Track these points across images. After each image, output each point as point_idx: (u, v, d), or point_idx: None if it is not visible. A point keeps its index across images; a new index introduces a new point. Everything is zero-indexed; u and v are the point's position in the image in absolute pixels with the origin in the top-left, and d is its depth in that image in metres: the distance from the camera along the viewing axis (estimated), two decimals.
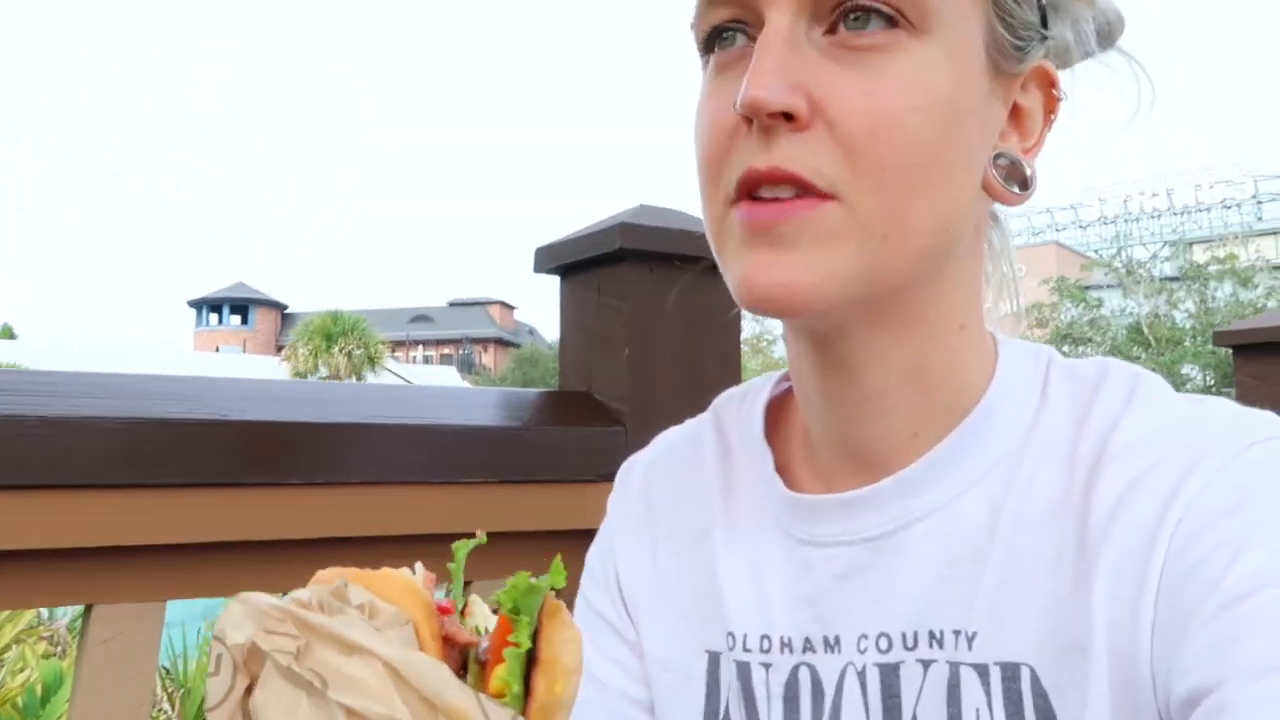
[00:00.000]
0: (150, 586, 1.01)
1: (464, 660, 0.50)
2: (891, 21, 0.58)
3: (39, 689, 4.21)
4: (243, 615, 0.46)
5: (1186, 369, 25.46)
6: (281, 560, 1.07)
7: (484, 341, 60.87)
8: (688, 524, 0.77)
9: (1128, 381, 0.64)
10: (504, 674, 0.47)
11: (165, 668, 5.50)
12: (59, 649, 5.39)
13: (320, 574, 0.50)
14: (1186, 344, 25.68)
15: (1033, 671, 0.59)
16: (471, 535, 1.21)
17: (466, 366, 53.80)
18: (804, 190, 0.58)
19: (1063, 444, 0.63)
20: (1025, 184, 0.64)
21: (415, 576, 0.51)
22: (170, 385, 1.06)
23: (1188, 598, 0.54)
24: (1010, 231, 0.74)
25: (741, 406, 0.79)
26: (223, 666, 0.46)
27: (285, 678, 0.45)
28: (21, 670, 4.61)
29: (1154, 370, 0.68)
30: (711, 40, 0.63)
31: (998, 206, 0.72)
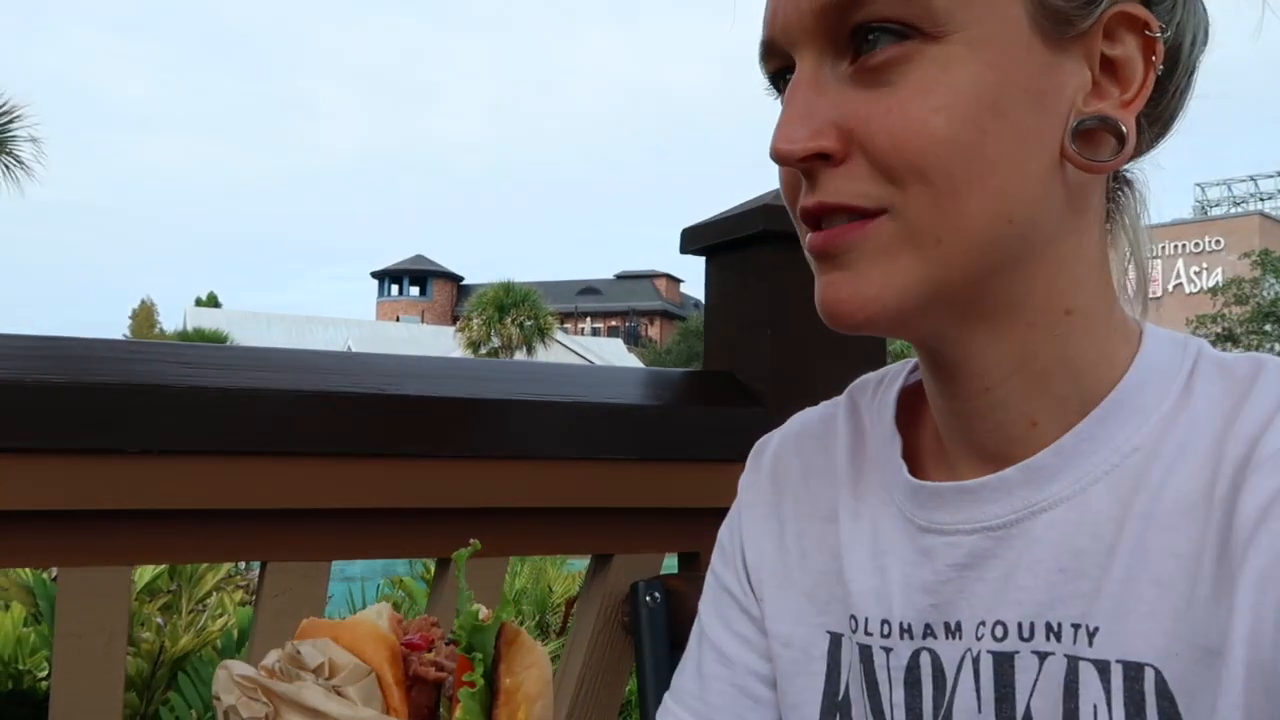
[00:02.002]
0: (316, 547, 1.09)
1: (439, 695, 0.53)
2: (901, 35, 0.58)
3: (235, 633, 4.56)
4: (227, 680, 0.52)
5: None
6: (433, 528, 1.13)
7: (650, 314, 61.46)
8: (815, 505, 0.78)
9: None
10: (462, 715, 0.50)
11: None
12: (254, 597, 5.82)
13: (303, 625, 0.54)
14: None
15: (1158, 673, 0.57)
16: (615, 509, 1.24)
17: (632, 339, 54.50)
18: (854, 214, 0.60)
19: (1206, 441, 0.60)
20: (1121, 140, 0.61)
21: (382, 621, 0.54)
22: (332, 360, 1.14)
23: None
24: (1142, 199, 0.69)
25: (877, 392, 0.79)
26: None
27: None
28: (220, 616, 4.99)
29: None
30: (776, 84, 0.67)
31: (1138, 169, 0.68)
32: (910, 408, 0.76)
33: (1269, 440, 0.57)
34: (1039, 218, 0.61)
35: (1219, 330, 25.90)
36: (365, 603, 5.74)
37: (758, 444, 0.86)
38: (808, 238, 0.63)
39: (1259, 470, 0.57)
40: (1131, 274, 0.70)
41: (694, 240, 1.37)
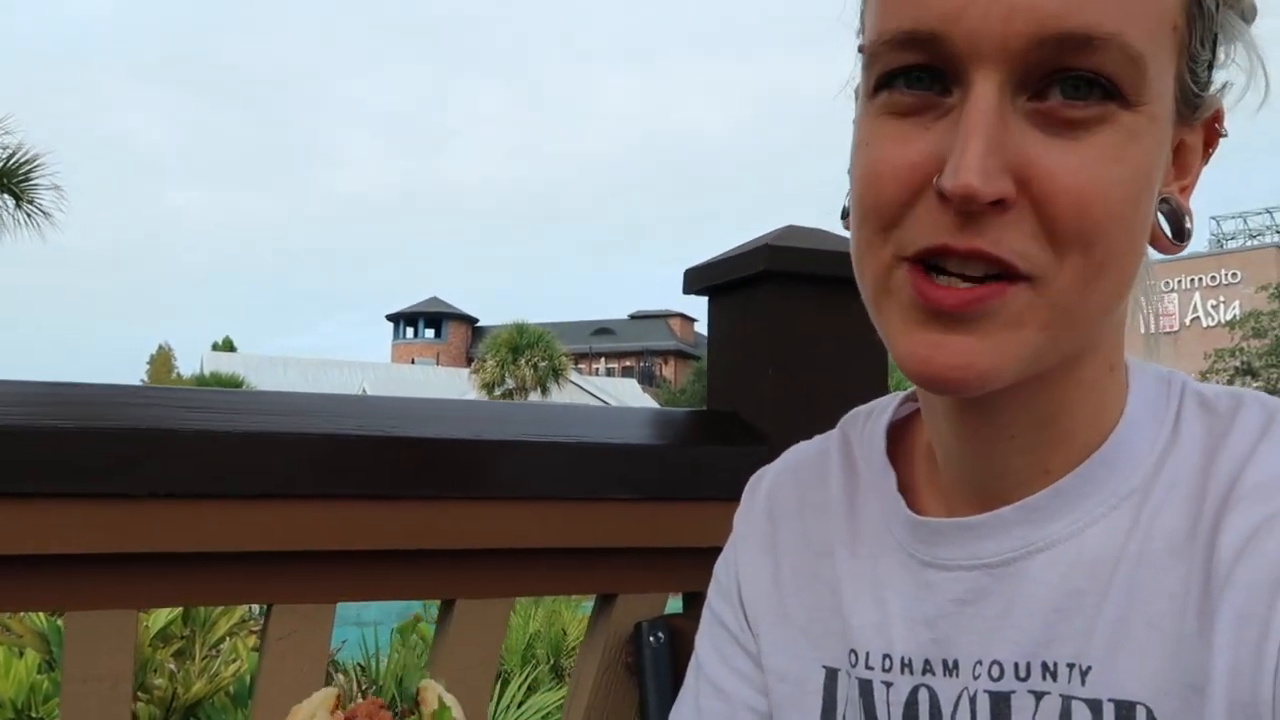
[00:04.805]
0: (321, 589, 1.10)
1: None
2: (1109, 94, 0.54)
3: (249, 679, 4.54)
4: None
5: None
6: (438, 569, 1.13)
7: (664, 354, 61.47)
8: (811, 540, 0.78)
9: (1263, 415, 0.62)
10: None
11: (360, 665, 5.85)
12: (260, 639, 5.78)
13: None
14: None
15: (1149, 712, 0.58)
16: (619, 549, 1.24)
17: (647, 379, 54.46)
18: (999, 269, 0.55)
19: (1192, 479, 0.61)
20: (1181, 234, 0.62)
21: (322, 710, 0.56)
22: (337, 404, 1.15)
23: None
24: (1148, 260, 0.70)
25: (867, 425, 0.80)
26: None
27: None
28: (234, 661, 4.98)
29: None
30: (891, 76, 0.58)
31: None
32: (899, 440, 0.77)
33: (1247, 476, 0.58)
34: (1131, 289, 0.62)
35: (1238, 364, 25.74)
36: (378, 646, 5.71)
37: (753, 478, 0.87)
38: (915, 278, 0.57)
39: (1236, 507, 0.57)
40: (1146, 312, 0.71)
41: (696, 280, 1.39)
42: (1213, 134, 0.63)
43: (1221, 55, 0.62)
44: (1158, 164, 0.58)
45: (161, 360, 45.55)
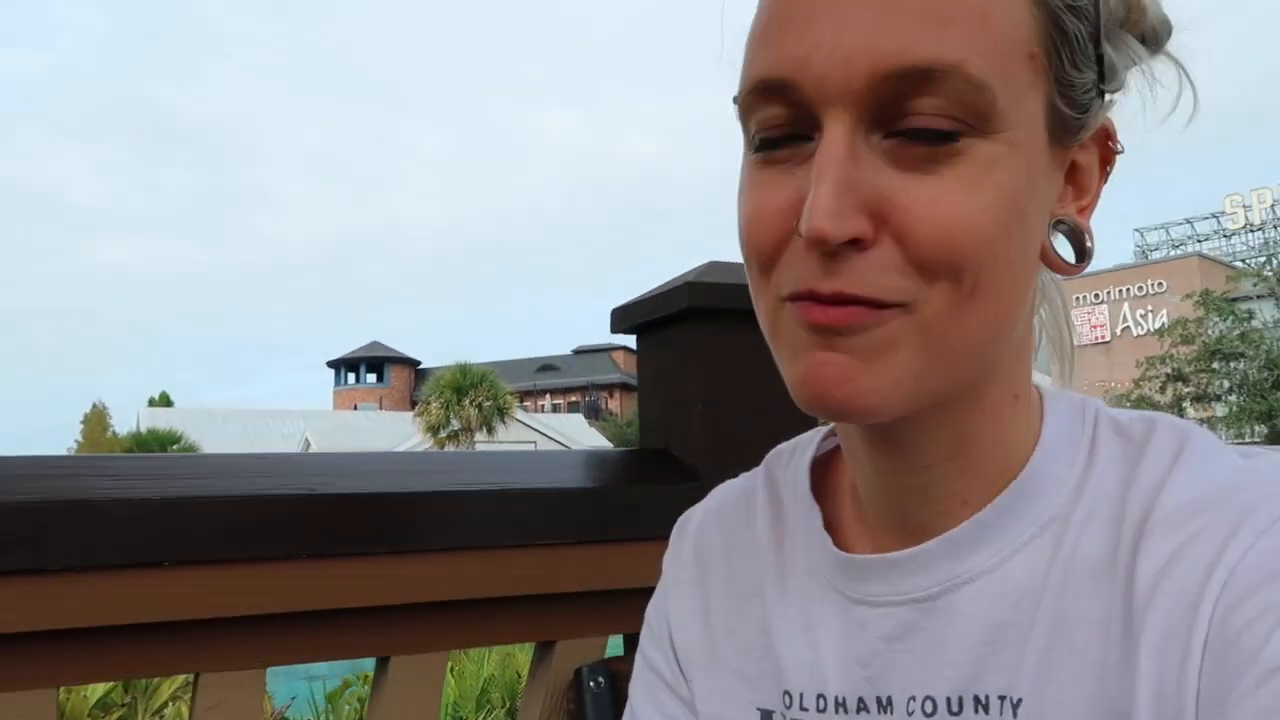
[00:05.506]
0: (250, 655, 1.07)
1: None
2: (960, 124, 0.55)
3: None
4: None
5: None
6: (371, 627, 1.11)
7: (609, 387, 61.48)
8: (740, 581, 0.78)
9: (1174, 440, 0.62)
10: None
11: None
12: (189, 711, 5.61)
13: None
14: None
15: None
16: (555, 595, 1.23)
17: (593, 413, 54.37)
18: (864, 303, 0.56)
19: (1110, 505, 0.61)
20: (1083, 254, 0.62)
21: None
22: (262, 463, 1.13)
23: (1229, 668, 0.52)
24: (1059, 281, 0.71)
25: (791, 462, 0.80)
26: None
27: None
28: None
29: None
30: (761, 124, 0.60)
31: None
32: (824, 476, 0.77)
33: (1162, 503, 0.59)
34: (1021, 315, 0.62)
35: (1169, 371, 26.39)
36: (329, 701, 5.59)
37: (680, 520, 0.87)
38: (799, 305, 0.58)
39: (1153, 533, 0.58)
40: (1060, 334, 0.72)
41: (624, 319, 1.39)
42: (1108, 152, 0.64)
43: (1123, 76, 0.63)
44: (1027, 189, 0.58)
45: (96, 419, 44.42)
